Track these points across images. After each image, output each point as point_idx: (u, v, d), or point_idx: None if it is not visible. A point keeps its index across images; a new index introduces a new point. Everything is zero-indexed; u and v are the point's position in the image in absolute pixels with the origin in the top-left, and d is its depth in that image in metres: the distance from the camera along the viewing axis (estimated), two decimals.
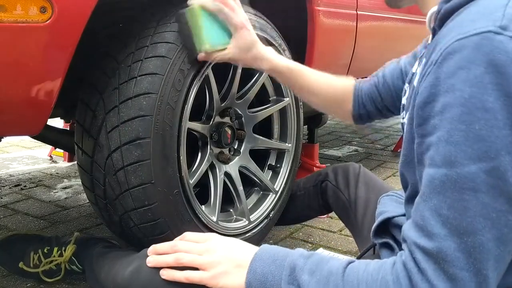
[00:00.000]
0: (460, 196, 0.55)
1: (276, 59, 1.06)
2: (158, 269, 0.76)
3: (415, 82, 0.73)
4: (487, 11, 0.57)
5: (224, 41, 1.02)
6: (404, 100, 0.82)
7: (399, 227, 0.80)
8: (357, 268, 0.64)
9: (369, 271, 0.63)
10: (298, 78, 1.07)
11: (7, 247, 1.23)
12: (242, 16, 1.03)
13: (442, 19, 0.65)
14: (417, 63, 0.81)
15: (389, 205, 0.90)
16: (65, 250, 1.19)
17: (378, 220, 0.86)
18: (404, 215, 0.81)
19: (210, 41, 1.00)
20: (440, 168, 0.56)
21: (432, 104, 0.58)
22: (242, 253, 0.73)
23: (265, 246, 0.74)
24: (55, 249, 1.20)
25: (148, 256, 0.79)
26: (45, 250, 1.20)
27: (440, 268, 0.56)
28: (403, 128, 0.82)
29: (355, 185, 1.19)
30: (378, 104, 1.06)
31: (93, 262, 1.08)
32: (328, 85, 1.09)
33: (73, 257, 1.19)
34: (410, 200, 0.73)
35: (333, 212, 1.28)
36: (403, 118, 0.82)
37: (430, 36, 0.73)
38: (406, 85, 0.81)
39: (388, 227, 0.85)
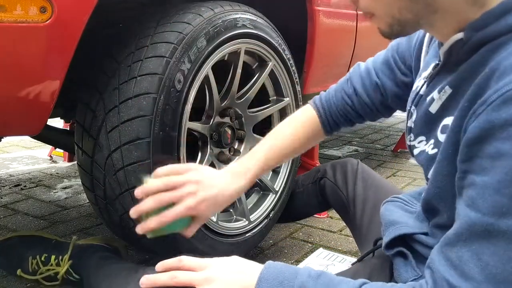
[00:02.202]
0: (507, 246, 0.55)
1: (247, 176, 0.93)
2: None
3: (431, 109, 0.71)
4: None
5: (182, 225, 0.86)
6: (410, 123, 0.80)
7: (422, 244, 0.79)
8: None
9: None
10: (275, 158, 0.99)
11: (5, 251, 1.22)
12: (186, 191, 0.84)
13: (473, 47, 0.63)
14: (421, 82, 0.78)
15: (397, 213, 0.88)
16: (62, 260, 1.18)
17: (393, 234, 0.83)
18: (425, 233, 0.79)
19: (170, 230, 0.85)
20: (485, 215, 0.56)
21: (481, 145, 0.57)
22: (246, 275, 0.71)
23: (268, 264, 0.71)
24: (53, 257, 1.18)
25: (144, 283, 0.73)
26: (43, 258, 1.19)
27: None
28: (411, 151, 0.80)
29: (353, 183, 1.19)
30: (353, 118, 1.05)
31: (91, 275, 1.08)
32: (297, 138, 1.02)
33: (70, 269, 1.18)
34: (441, 227, 0.73)
35: (333, 212, 1.28)
36: (410, 141, 0.80)
37: (441, 58, 0.71)
38: (412, 107, 0.79)
39: (405, 240, 0.82)
